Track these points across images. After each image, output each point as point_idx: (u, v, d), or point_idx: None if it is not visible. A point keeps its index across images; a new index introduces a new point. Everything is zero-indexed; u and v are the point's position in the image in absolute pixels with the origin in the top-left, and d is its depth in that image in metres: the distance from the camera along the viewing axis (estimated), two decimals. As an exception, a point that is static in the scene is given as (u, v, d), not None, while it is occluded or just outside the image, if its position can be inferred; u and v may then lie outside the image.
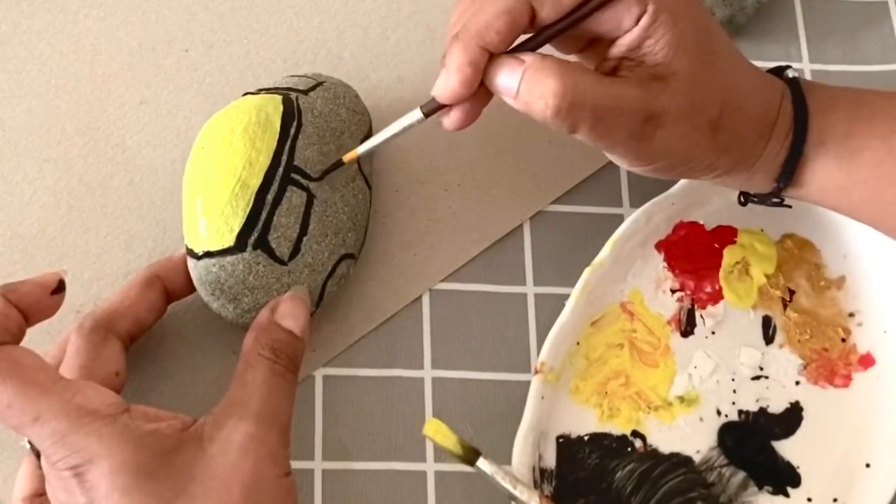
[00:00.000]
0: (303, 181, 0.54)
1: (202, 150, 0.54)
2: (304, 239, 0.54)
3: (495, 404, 0.57)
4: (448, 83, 0.47)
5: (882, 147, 0.51)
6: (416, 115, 0.50)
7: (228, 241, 0.52)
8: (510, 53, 0.47)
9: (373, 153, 0.59)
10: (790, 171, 0.52)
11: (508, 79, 0.47)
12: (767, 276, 0.60)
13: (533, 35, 0.48)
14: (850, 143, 0.51)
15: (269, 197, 0.53)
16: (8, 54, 0.62)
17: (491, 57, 0.47)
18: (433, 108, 0.49)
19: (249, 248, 0.52)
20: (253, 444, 0.47)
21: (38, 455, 0.48)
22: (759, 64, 0.66)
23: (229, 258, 0.53)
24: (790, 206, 0.58)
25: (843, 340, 0.60)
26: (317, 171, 0.54)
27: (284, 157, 0.53)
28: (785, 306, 0.60)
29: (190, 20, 0.64)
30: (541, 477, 0.55)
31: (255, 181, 0.53)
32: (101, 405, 0.45)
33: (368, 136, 0.58)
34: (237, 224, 0.52)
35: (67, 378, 0.47)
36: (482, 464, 0.52)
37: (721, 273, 0.60)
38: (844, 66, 0.67)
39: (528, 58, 0.47)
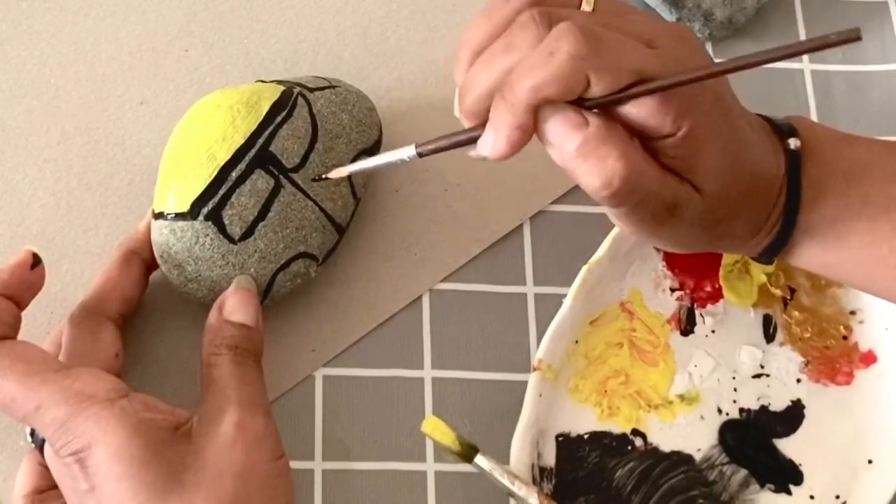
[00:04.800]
0: (273, 169, 0.54)
1: (188, 117, 0.56)
2: (261, 224, 0.54)
3: (495, 404, 0.57)
4: (496, 145, 0.44)
5: (869, 231, 0.49)
6: (410, 151, 0.49)
7: (184, 206, 0.53)
8: (573, 106, 0.43)
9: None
10: (774, 252, 0.50)
11: (564, 137, 0.43)
12: (767, 275, 0.60)
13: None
14: (837, 228, 0.49)
15: (234, 174, 0.53)
16: (8, 54, 0.62)
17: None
18: (430, 150, 0.48)
19: (201, 218, 0.53)
20: (240, 431, 0.47)
21: (40, 450, 0.49)
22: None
23: (180, 223, 0.53)
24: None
25: (845, 338, 0.60)
26: (293, 162, 0.55)
27: (261, 141, 0.54)
28: (786, 305, 0.60)
29: (190, 20, 0.64)
30: (540, 475, 0.55)
31: (224, 156, 0.53)
32: (100, 390, 0.47)
33: (372, 149, 0.59)
34: (195, 192, 0.53)
35: (67, 366, 0.48)
36: (480, 460, 0.52)
37: (721, 272, 0.60)
38: (844, 66, 0.67)
39: (592, 121, 0.43)
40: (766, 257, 0.51)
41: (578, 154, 0.43)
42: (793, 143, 0.49)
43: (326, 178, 0.55)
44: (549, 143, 0.44)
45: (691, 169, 0.45)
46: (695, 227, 0.47)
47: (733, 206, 0.47)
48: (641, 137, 0.44)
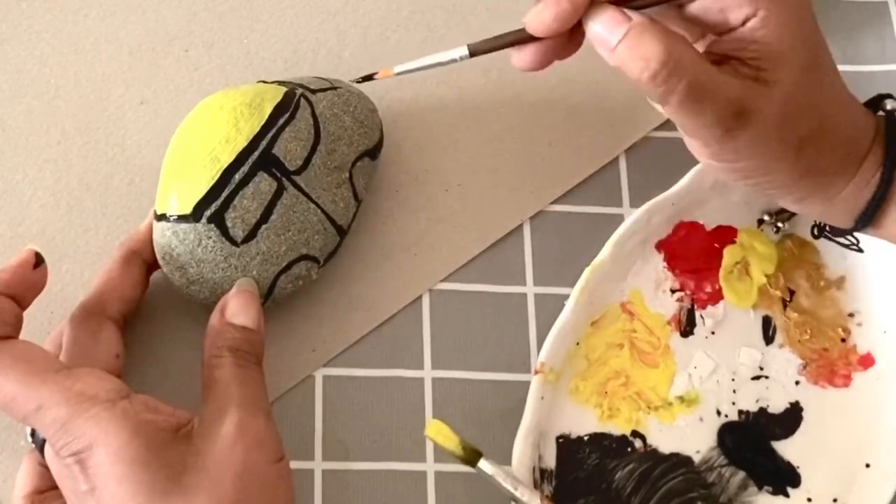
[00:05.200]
0: (276, 171, 0.54)
1: (191, 118, 0.56)
2: (263, 227, 0.54)
3: (495, 404, 0.57)
4: (542, 14, 0.47)
5: None
6: (462, 51, 0.49)
7: (186, 208, 0.53)
8: (616, 6, 0.47)
9: (374, 169, 0.59)
10: (872, 212, 0.51)
11: (609, 32, 0.46)
12: (767, 277, 0.60)
13: None
14: None
15: (237, 177, 0.53)
16: (8, 54, 0.62)
17: (593, 2, 0.47)
18: (482, 49, 0.49)
19: (204, 221, 0.53)
20: (241, 433, 0.47)
21: (41, 450, 0.49)
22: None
23: (183, 225, 0.53)
24: (862, 251, 0.58)
25: (843, 340, 0.60)
26: (296, 165, 0.55)
27: (264, 144, 0.54)
28: (785, 306, 0.60)
29: (190, 20, 0.64)
30: (541, 477, 0.55)
31: (227, 158, 0.53)
32: (101, 391, 0.47)
33: (373, 150, 0.59)
34: (198, 194, 0.53)
35: (68, 366, 0.48)
36: (484, 465, 0.52)
37: (721, 273, 0.60)
38: (844, 66, 0.66)
39: (635, 17, 0.46)
40: (864, 221, 0.51)
41: (622, 47, 0.46)
42: (889, 103, 0.52)
43: (373, 78, 0.54)
44: (596, 41, 0.47)
45: (769, 55, 0.47)
46: (772, 141, 0.48)
47: (813, 121, 0.48)
48: (718, 33, 0.48)
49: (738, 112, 0.47)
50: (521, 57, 0.48)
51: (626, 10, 0.46)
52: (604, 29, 0.46)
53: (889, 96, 0.52)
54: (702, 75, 0.46)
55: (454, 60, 0.49)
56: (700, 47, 0.49)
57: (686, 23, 0.49)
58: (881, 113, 0.52)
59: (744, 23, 0.47)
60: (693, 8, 0.48)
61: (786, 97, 0.47)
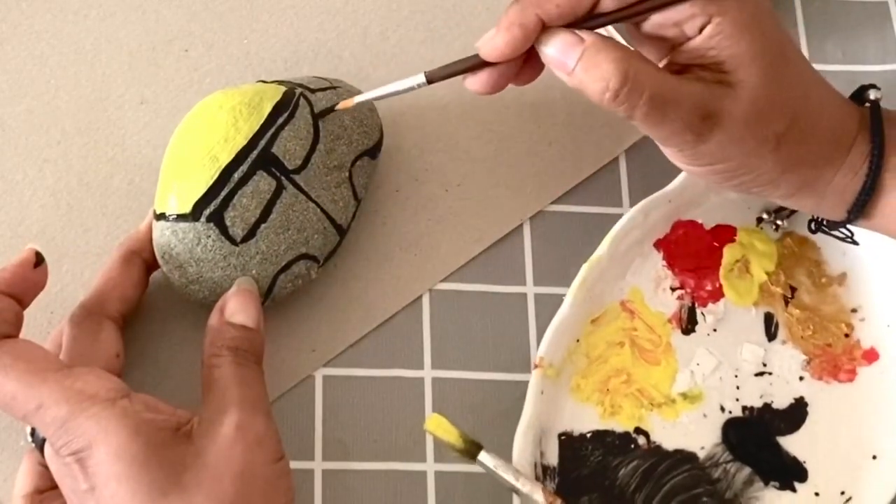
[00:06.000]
0: (275, 170, 0.54)
1: (190, 118, 0.56)
2: (262, 226, 0.54)
3: (495, 404, 0.57)
4: (494, 40, 0.47)
5: None
6: (419, 79, 0.50)
7: (186, 207, 0.53)
8: (568, 29, 0.47)
9: (374, 169, 0.59)
10: (863, 202, 0.51)
11: (564, 55, 0.47)
12: (768, 274, 0.60)
13: (590, 19, 0.48)
14: None
15: (236, 176, 0.53)
16: (8, 54, 0.62)
17: (546, 28, 0.47)
18: (439, 76, 0.49)
19: (203, 220, 0.53)
20: (240, 432, 0.47)
21: (41, 449, 0.49)
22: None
23: (182, 224, 0.53)
24: (858, 244, 0.58)
25: (847, 336, 0.59)
26: (295, 164, 0.55)
27: (263, 143, 0.54)
28: (786, 303, 0.60)
29: (190, 20, 0.64)
30: (543, 474, 0.55)
31: (226, 157, 0.53)
32: (101, 390, 0.46)
33: (373, 149, 0.59)
34: (197, 194, 0.53)
35: (69, 365, 0.48)
36: (484, 457, 0.52)
37: (721, 271, 0.60)
38: (844, 66, 0.67)
39: (588, 37, 0.47)
40: (855, 211, 0.51)
41: (579, 68, 0.46)
42: (873, 93, 0.52)
43: (334, 110, 0.55)
44: (553, 64, 0.47)
45: (730, 58, 0.47)
46: (747, 140, 0.48)
47: (787, 115, 0.48)
48: (676, 45, 0.48)
49: (704, 116, 0.47)
50: (474, 80, 0.49)
51: (578, 31, 0.47)
52: (558, 52, 0.47)
53: (872, 86, 0.52)
54: (662, 86, 0.46)
55: (412, 88, 0.50)
56: (663, 62, 0.50)
57: (646, 40, 0.50)
58: (867, 104, 0.52)
59: (700, 31, 0.47)
60: (648, 26, 0.49)
61: (753, 96, 0.47)
